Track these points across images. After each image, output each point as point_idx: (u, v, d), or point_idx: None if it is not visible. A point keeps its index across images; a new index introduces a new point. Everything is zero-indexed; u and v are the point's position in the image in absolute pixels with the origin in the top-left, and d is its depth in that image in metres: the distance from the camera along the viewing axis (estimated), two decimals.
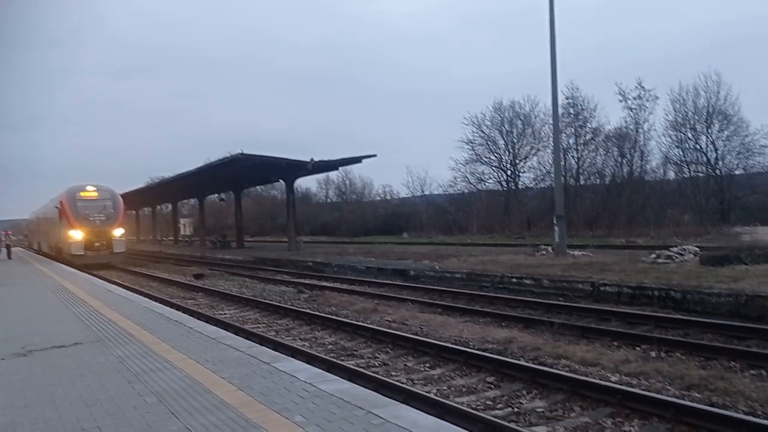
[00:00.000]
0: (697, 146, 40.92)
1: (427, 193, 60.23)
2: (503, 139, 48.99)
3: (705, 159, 40.75)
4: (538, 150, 47.30)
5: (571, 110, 43.86)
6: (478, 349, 8.98)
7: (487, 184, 50.44)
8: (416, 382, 7.72)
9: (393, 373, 8.16)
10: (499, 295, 14.66)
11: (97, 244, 28.96)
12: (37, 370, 6.35)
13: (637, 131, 42.44)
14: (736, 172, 40.26)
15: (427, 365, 8.55)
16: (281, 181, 39.47)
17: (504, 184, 49.65)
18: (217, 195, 52.12)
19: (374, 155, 33.72)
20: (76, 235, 28.70)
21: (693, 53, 77.77)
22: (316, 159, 31.32)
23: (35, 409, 4.95)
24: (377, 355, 9.39)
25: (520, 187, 49.24)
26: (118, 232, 29.98)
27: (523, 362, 8.03)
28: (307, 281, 20.29)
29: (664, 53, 76.61)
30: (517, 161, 48.99)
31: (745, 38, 75.21)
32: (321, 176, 66.19)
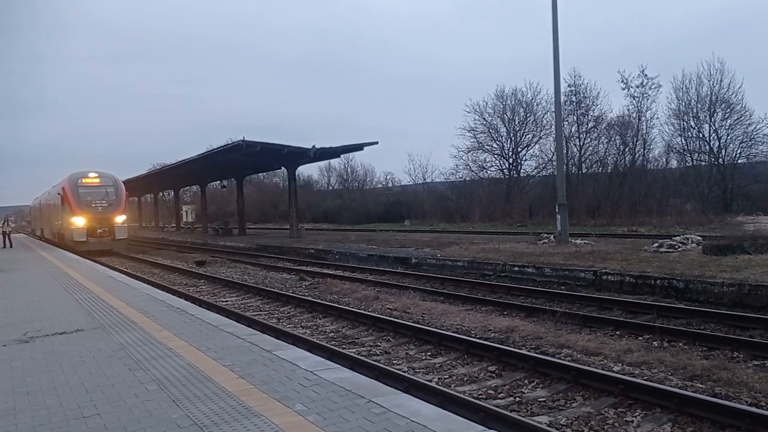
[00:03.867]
0: (700, 135, 40.67)
1: (428, 180, 60.30)
2: (505, 126, 48.87)
3: (708, 148, 40.52)
4: (540, 138, 47.22)
5: (574, 98, 43.67)
6: (479, 338, 8.96)
7: (489, 171, 50.42)
8: (418, 370, 7.70)
9: (394, 362, 8.15)
10: (501, 284, 14.64)
11: (100, 230, 28.96)
12: (39, 357, 6.35)
13: (639, 119, 42.23)
14: (739, 161, 40.04)
15: (429, 354, 8.54)
16: (283, 168, 39.34)
17: (506, 171, 49.54)
18: (219, 182, 52.06)
19: (376, 142, 33.71)
20: (78, 221, 28.71)
21: (696, 39, 77.35)
22: (317, 146, 31.28)
23: (36, 396, 4.94)
24: (379, 343, 9.38)
25: (522, 175, 49.15)
26: (120, 218, 29.98)
27: (525, 351, 8.00)
28: (308, 268, 20.30)
29: (667, 39, 76.23)
30: (519, 149, 48.88)
31: (748, 24, 74.68)
32: (323, 163, 66.26)
